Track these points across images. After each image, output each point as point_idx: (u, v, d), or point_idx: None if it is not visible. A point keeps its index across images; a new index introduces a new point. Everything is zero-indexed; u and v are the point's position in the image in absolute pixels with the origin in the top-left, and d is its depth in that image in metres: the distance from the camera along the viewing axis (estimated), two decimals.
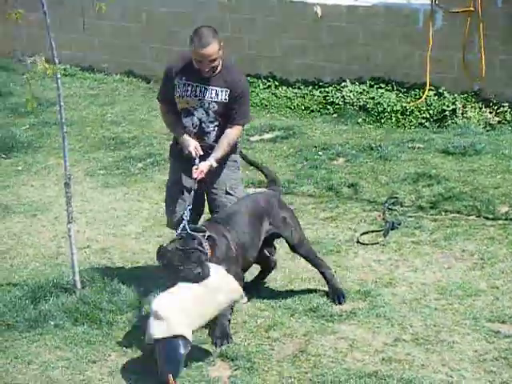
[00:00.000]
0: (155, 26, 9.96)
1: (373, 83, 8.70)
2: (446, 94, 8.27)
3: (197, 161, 4.81)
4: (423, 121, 8.21)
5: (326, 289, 5.09)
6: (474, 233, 5.84)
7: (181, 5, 9.70)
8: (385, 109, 8.38)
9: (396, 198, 6.49)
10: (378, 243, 5.76)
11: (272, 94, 9.16)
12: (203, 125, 4.94)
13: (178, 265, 4.34)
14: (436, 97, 8.30)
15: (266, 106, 8.99)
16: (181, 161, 4.99)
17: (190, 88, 4.91)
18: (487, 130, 7.89)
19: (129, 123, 8.68)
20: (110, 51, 10.40)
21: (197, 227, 4.69)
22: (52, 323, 4.79)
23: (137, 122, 8.71)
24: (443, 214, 6.19)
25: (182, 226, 4.60)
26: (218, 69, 4.89)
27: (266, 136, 8.15)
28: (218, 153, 4.86)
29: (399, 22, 8.51)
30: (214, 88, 4.88)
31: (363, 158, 7.38)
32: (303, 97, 8.98)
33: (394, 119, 8.30)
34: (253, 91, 9.19)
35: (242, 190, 5.23)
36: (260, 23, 9.28)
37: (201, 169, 4.77)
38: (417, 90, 8.42)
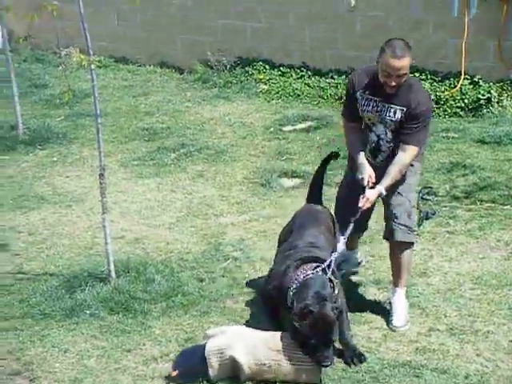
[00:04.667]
0: (186, 18, 9.98)
1: None
2: (481, 83, 8.17)
3: (366, 190, 4.57)
4: (458, 110, 8.14)
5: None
6: (509, 222, 5.78)
7: None
8: None
9: (430, 187, 6.44)
10: None
11: (305, 84, 9.13)
12: (381, 142, 4.69)
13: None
14: (471, 85, 8.21)
15: (299, 95, 8.97)
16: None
17: (371, 103, 4.63)
18: None
19: (162, 114, 8.72)
20: (143, 43, 10.46)
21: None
22: (87, 312, 4.84)
23: (170, 112, 8.74)
24: (478, 203, 6.13)
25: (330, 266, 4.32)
26: (402, 87, 4.56)
27: (299, 126, 8.14)
28: (387, 180, 4.58)
29: (434, 9, 8.43)
30: (393, 106, 4.58)
31: None
32: (336, 87, 8.95)
33: None
34: (286, 81, 9.19)
35: (414, 196, 4.88)
36: (293, 13, 9.25)
37: (368, 197, 4.54)
38: (451, 79, 8.34)
